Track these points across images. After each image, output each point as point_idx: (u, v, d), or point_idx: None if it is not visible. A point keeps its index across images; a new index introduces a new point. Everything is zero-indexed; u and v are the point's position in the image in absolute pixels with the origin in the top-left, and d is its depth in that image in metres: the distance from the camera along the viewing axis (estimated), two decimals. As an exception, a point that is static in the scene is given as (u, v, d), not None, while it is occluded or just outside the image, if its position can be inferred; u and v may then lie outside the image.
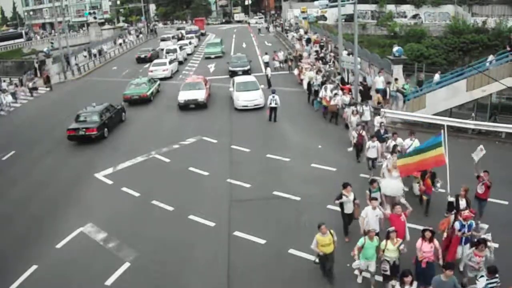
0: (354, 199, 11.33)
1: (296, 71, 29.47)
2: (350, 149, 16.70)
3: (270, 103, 21.56)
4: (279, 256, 11.18)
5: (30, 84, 34.59)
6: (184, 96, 24.79)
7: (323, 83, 22.96)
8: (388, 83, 22.29)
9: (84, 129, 20.19)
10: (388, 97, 21.86)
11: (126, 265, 11.25)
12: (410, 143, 14.47)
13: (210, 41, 50.09)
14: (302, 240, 11.73)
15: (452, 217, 10.41)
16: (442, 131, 11.78)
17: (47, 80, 35.18)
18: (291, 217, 12.95)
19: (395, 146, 13.89)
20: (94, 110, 21.52)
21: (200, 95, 24.79)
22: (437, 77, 23.21)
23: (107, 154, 19.09)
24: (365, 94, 23.16)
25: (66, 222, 13.54)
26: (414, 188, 13.51)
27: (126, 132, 22.18)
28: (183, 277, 10.81)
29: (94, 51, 49.02)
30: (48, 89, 34.72)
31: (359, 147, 16.11)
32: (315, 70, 25.55)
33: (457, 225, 9.96)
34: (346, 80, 25.56)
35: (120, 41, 58.70)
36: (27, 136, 22.77)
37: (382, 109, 20.65)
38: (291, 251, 11.28)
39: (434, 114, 20.53)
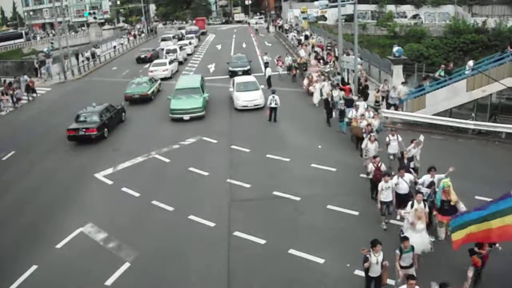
0: (383, 260, 9.06)
1: (305, 81, 26.24)
2: (365, 175, 14.14)
3: (270, 103, 21.55)
4: (279, 256, 11.17)
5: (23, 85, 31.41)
6: None
7: (349, 100, 19.94)
8: (425, 78, 21.89)
9: (84, 129, 20.20)
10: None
11: (126, 265, 11.24)
12: (430, 180, 11.71)
13: (180, 84, 25.74)
14: (302, 240, 11.77)
15: None
16: None
17: (29, 89, 31.01)
18: (291, 217, 12.96)
19: (420, 193, 11.27)
20: (94, 110, 21.52)
21: None
22: (470, 63, 22.97)
23: (107, 154, 19.09)
24: (364, 94, 23.17)
25: (66, 222, 13.54)
26: (439, 232, 11.28)
27: (126, 132, 22.17)
28: (183, 277, 10.80)
29: (87, 54, 45.81)
30: (31, 99, 30.91)
31: (377, 184, 12.60)
32: (331, 83, 23.13)
33: None
34: (346, 80, 25.56)
35: (115, 44, 55.26)
36: (27, 137, 22.76)
37: (381, 110, 20.67)
38: (291, 251, 11.28)
39: (434, 114, 20.53)
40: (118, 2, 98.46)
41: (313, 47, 38.08)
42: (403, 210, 10.90)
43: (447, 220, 10.58)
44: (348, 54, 26.14)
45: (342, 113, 19.31)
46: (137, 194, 14.97)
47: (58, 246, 12.33)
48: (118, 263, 11.31)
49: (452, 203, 10.84)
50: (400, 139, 15.07)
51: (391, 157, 15.10)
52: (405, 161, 13.31)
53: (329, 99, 20.76)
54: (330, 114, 20.62)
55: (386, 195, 11.85)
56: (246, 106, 23.63)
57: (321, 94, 22.81)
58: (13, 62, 46.11)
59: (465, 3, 55.87)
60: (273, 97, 21.48)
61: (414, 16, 56.19)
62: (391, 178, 12.02)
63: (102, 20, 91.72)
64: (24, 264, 11.57)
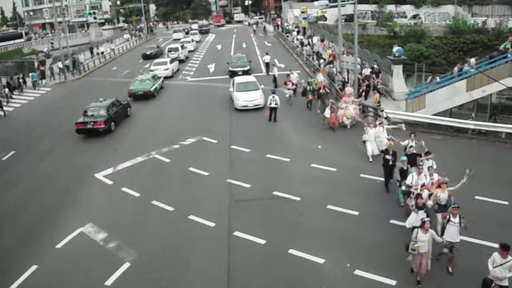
0: None
1: (327, 112, 19.91)
2: None
3: (270, 103, 21.56)
4: (279, 256, 11.17)
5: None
6: None
7: (413, 156, 13.44)
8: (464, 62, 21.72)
9: (92, 123, 20.88)
10: None
11: (126, 265, 11.24)
12: None
13: None
14: (302, 240, 11.76)
15: None
16: None
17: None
18: (291, 217, 12.95)
19: None
20: (102, 104, 22.26)
21: None
22: None
23: (107, 154, 19.09)
24: (366, 94, 23.15)
25: (66, 222, 13.54)
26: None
27: (128, 131, 22.20)
28: (183, 277, 10.80)
29: (67, 62, 39.49)
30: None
31: None
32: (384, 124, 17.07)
33: None
34: (346, 80, 25.54)
35: (102, 49, 50.84)
36: (27, 137, 22.75)
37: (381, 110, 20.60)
38: (291, 251, 11.28)
39: (434, 114, 20.53)
40: (118, 2, 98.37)
41: (329, 62, 29.68)
42: None
43: None
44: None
45: (403, 174, 12.94)
46: (137, 194, 14.98)
47: (58, 246, 12.33)
48: (118, 263, 11.31)
49: None
50: (463, 221, 9.85)
51: (445, 250, 10.12)
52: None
53: (390, 153, 13.97)
54: (390, 176, 14.11)
55: None
56: (246, 106, 23.63)
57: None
58: (13, 62, 46.15)
59: (465, 3, 55.79)
60: (273, 97, 21.48)
61: (414, 16, 56.10)
62: None
63: (102, 20, 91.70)
64: (24, 264, 11.57)
